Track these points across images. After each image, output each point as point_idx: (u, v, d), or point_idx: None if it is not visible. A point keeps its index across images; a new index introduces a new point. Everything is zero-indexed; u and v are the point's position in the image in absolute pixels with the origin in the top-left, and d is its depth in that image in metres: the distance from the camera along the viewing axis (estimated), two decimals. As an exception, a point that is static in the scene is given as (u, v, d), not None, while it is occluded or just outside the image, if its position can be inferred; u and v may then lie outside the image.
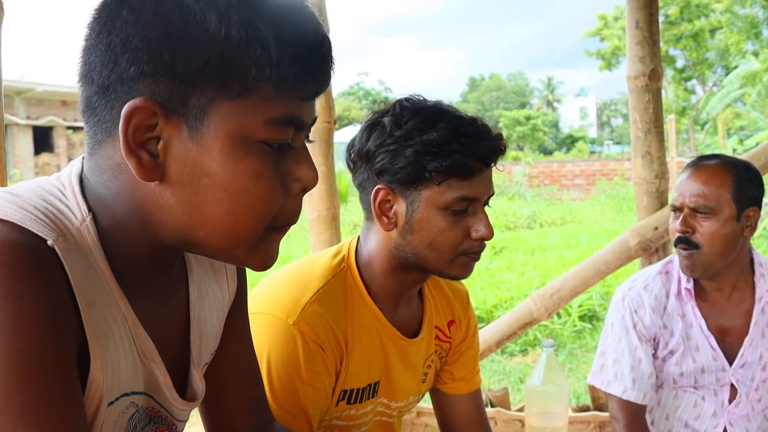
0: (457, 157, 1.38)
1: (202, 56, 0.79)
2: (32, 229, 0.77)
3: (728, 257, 2.04)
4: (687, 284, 2.13)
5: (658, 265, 2.27)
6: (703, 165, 2.06)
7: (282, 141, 0.85)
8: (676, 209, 2.08)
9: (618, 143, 59.22)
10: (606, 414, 2.98)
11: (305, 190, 0.91)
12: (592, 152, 48.71)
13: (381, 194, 1.45)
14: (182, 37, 0.79)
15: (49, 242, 0.78)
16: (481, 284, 7.48)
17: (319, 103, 2.99)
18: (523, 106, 62.41)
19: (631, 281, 2.26)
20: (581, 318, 6.48)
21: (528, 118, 45.62)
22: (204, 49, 0.79)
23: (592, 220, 14.16)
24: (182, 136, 0.82)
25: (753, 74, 21.32)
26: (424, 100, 1.48)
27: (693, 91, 38.06)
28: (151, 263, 0.94)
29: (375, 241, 1.53)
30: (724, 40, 30.79)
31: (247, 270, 1.24)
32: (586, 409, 3.27)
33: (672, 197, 2.13)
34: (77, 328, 0.81)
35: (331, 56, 0.88)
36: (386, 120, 1.44)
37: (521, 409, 3.03)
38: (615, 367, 2.19)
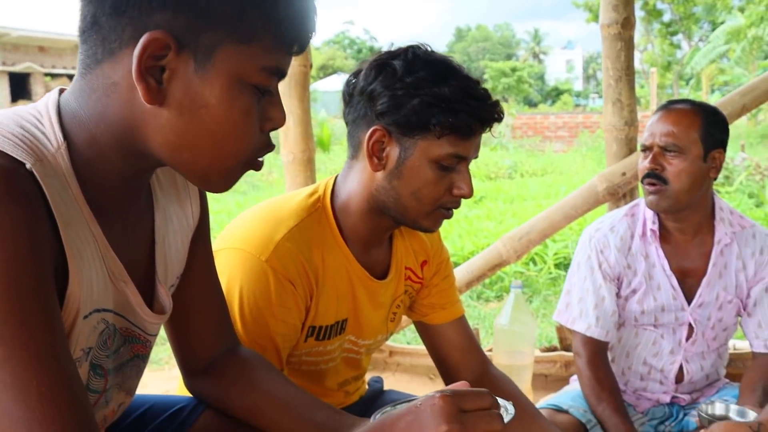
0: (463, 117, 1.41)
1: (222, 1, 0.89)
2: (12, 154, 0.83)
3: (694, 195, 2.10)
4: (652, 226, 2.19)
5: (624, 208, 2.33)
6: (673, 107, 2.14)
7: (268, 87, 0.96)
8: (646, 148, 2.14)
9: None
10: (572, 354, 3.08)
11: (274, 129, 1.00)
12: (577, 105, 48.41)
13: (377, 135, 1.45)
14: None
15: (28, 166, 0.84)
16: (459, 231, 7.50)
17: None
18: (509, 57, 61.94)
19: (598, 223, 2.32)
20: (557, 266, 6.51)
21: (514, 70, 45.32)
22: None
23: (573, 171, 14.12)
24: (188, 70, 0.90)
25: (737, 30, 21.30)
26: (433, 52, 1.49)
27: (679, 46, 37.85)
28: (121, 188, 1.00)
29: (357, 181, 1.53)
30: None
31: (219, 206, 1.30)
32: (554, 349, 3.36)
33: (642, 138, 2.19)
34: (55, 246, 0.87)
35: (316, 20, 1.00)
36: (397, 64, 1.43)
37: (491, 350, 3.12)
38: (580, 305, 2.26)
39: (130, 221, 1.06)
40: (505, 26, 71.14)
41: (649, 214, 2.22)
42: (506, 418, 1.02)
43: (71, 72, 32.74)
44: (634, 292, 2.24)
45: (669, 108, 2.15)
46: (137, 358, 1.14)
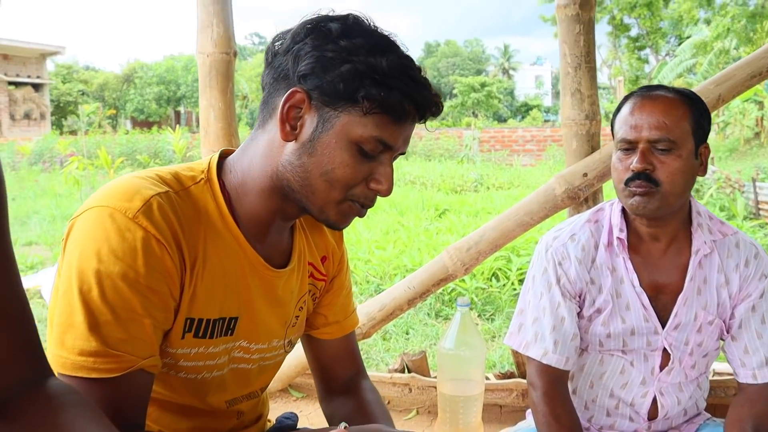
0: (396, 94, 1.25)
1: None
2: None
3: (684, 197, 1.85)
4: (619, 234, 1.90)
5: (586, 214, 2.06)
6: (656, 95, 1.84)
7: None
8: (629, 145, 1.82)
9: (572, 112, 60.50)
10: (528, 381, 2.74)
11: None
12: (546, 121, 49.37)
13: (296, 98, 1.27)
14: None
15: None
16: (418, 245, 7.32)
17: (217, 33, 2.64)
18: (478, 73, 62.70)
19: (556, 231, 2.05)
20: (521, 282, 6.26)
21: (483, 85, 45.79)
22: None
23: (540, 183, 14.05)
24: None
25: (704, 43, 21.50)
26: (378, 27, 1.34)
27: (646, 61, 38.52)
28: None
29: (261, 153, 1.35)
30: (677, 9, 31.04)
31: None
32: (510, 375, 3.02)
33: (619, 131, 1.86)
34: None
35: None
36: (333, 26, 1.28)
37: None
38: (535, 327, 1.97)
39: None
40: (475, 42, 72.19)
41: (616, 219, 1.93)
42: None
43: (36, 81, 32.94)
44: (598, 311, 1.95)
45: (651, 96, 1.84)
46: None
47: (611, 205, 2.01)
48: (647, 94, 1.84)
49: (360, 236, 7.70)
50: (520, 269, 6.32)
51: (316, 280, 1.60)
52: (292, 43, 1.29)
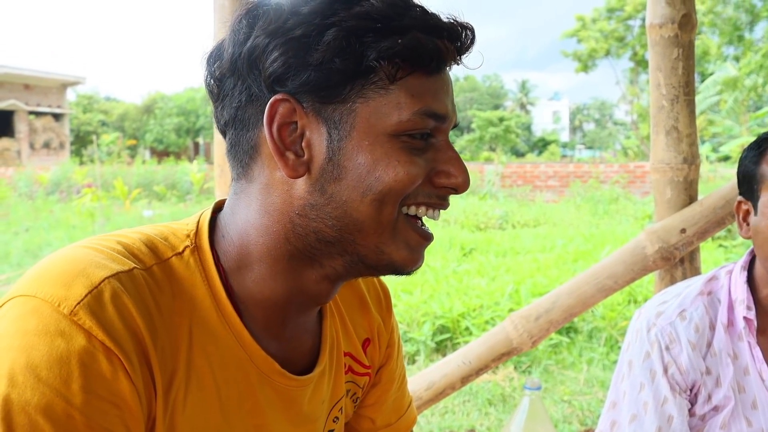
0: (417, 33, 0.87)
1: None
2: None
3: None
4: (747, 312, 1.51)
5: (697, 283, 1.66)
6: None
7: None
8: None
9: (590, 148, 61.05)
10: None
11: None
12: (564, 156, 49.32)
13: (282, 110, 0.88)
14: None
15: None
16: (447, 289, 6.90)
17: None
18: (496, 107, 63.01)
19: (659, 304, 1.67)
20: (558, 330, 5.84)
21: (501, 120, 45.97)
22: None
23: (567, 222, 13.85)
24: None
25: (733, 80, 21.02)
26: None
27: (667, 98, 38.26)
28: None
29: (257, 212, 0.93)
30: (700, 46, 30.80)
31: None
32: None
33: None
34: None
35: None
36: None
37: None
38: (633, 427, 1.63)
39: None
40: (494, 77, 72.59)
41: (740, 293, 1.58)
42: None
43: (56, 111, 33.13)
44: (716, 410, 1.62)
45: None
46: None
47: (728, 273, 1.63)
48: None
49: (383, 278, 7.28)
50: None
51: (357, 376, 1.19)
52: (237, 48, 0.89)
